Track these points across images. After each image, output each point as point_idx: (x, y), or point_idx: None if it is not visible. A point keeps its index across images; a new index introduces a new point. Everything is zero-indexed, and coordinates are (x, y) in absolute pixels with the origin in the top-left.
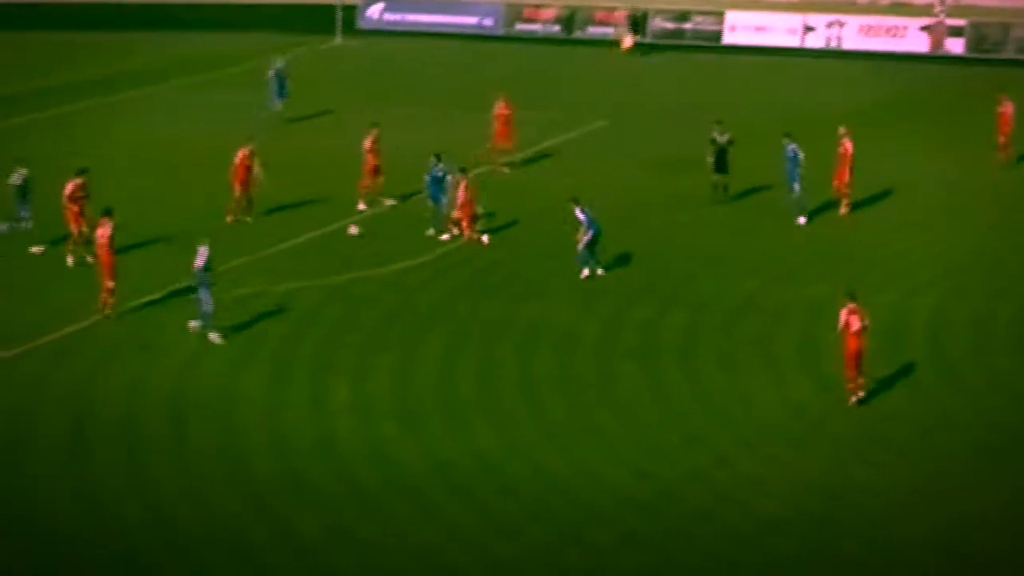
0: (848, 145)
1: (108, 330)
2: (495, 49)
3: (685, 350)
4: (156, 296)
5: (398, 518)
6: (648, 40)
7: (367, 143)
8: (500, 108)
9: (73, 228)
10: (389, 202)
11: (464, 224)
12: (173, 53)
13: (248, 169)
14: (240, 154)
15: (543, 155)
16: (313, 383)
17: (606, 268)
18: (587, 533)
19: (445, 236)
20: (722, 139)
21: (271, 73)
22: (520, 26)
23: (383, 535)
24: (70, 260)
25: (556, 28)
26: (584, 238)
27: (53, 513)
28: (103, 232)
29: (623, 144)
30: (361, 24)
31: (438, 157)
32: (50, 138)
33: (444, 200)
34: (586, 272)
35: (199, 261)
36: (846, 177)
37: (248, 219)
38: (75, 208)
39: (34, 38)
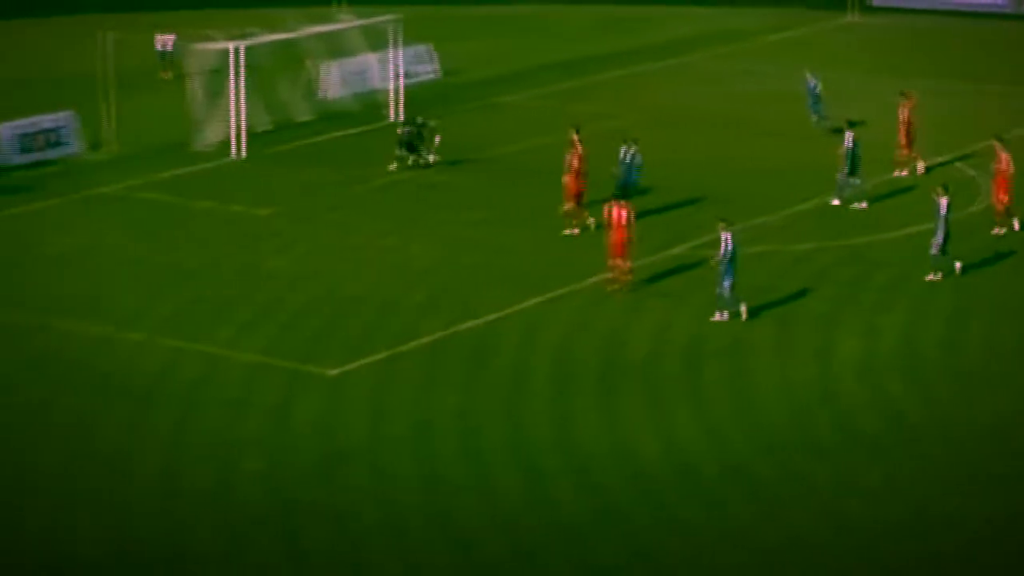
0: None
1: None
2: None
3: None
4: (682, 248)
5: (901, 469)
6: None
7: (904, 112)
8: None
9: (574, 201)
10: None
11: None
12: (689, 27)
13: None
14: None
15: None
16: (820, 338)
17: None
18: None
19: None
20: None
21: (810, 87)
22: None
23: (887, 485)
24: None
25: None
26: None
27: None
28: (622, 213)
29: None
30: (875, 1)
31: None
32: (593, 102)
33: None
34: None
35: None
36: None
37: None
38: (581, 182)
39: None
